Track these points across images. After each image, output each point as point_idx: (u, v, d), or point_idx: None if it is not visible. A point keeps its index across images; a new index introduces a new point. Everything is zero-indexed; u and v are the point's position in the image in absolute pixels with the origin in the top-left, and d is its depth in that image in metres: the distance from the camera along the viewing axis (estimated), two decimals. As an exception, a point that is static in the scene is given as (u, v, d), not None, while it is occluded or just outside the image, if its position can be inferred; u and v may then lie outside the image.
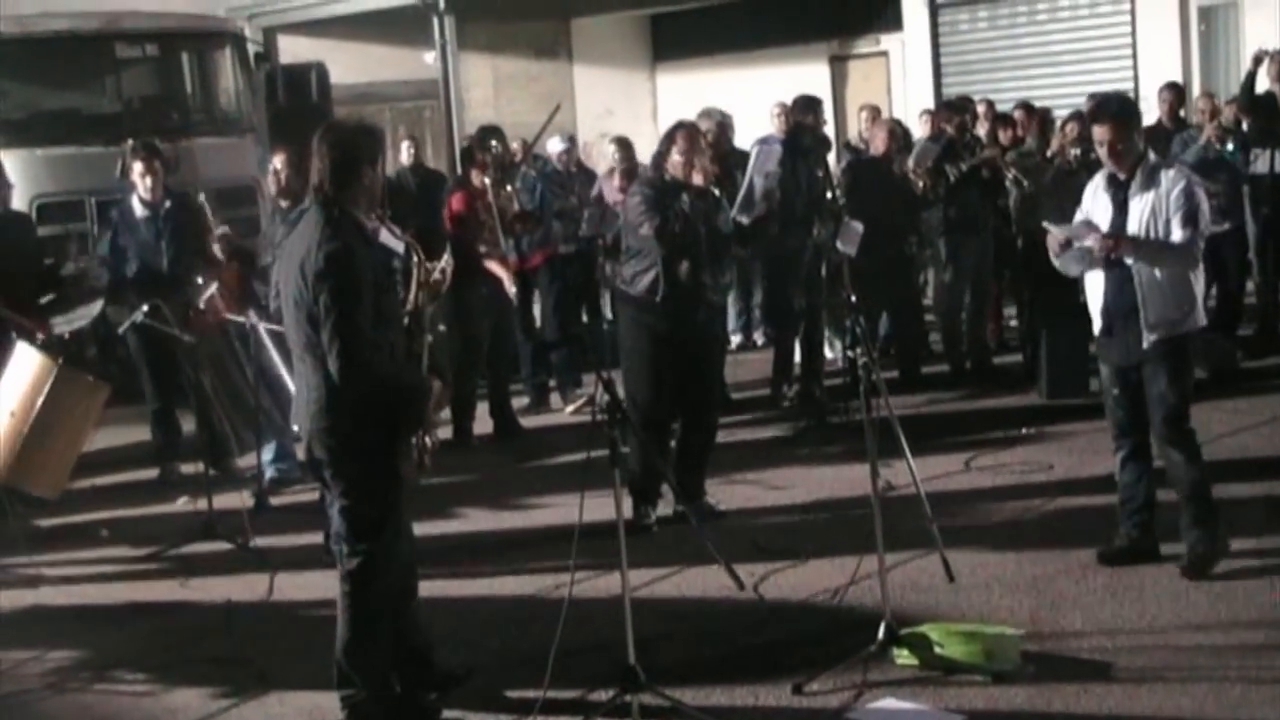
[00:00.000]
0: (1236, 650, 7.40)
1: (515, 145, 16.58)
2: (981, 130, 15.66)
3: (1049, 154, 14.53)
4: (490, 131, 13.42)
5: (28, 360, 9.77)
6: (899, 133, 14.91)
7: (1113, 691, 7.03)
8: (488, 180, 12.61)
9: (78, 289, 12.06)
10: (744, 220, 10.20)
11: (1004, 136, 15.13)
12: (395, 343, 7.00)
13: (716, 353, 10.26)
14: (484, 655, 7.79)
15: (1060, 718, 6.82)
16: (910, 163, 14.14)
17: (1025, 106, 16.29)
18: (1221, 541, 8.52)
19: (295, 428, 7.45)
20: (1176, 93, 15.71)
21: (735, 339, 16.16)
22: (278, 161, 11.11)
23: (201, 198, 12.02)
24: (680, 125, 10.37)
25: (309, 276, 6.73)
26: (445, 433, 11.10)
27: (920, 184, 14.03)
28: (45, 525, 10.96)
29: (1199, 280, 8.49)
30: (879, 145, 14.43)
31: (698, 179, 10.01)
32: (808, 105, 14.17)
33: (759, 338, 16.45)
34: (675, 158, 10.04)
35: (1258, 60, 15.40)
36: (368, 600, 7.01)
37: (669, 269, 9.87)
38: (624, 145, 14.73)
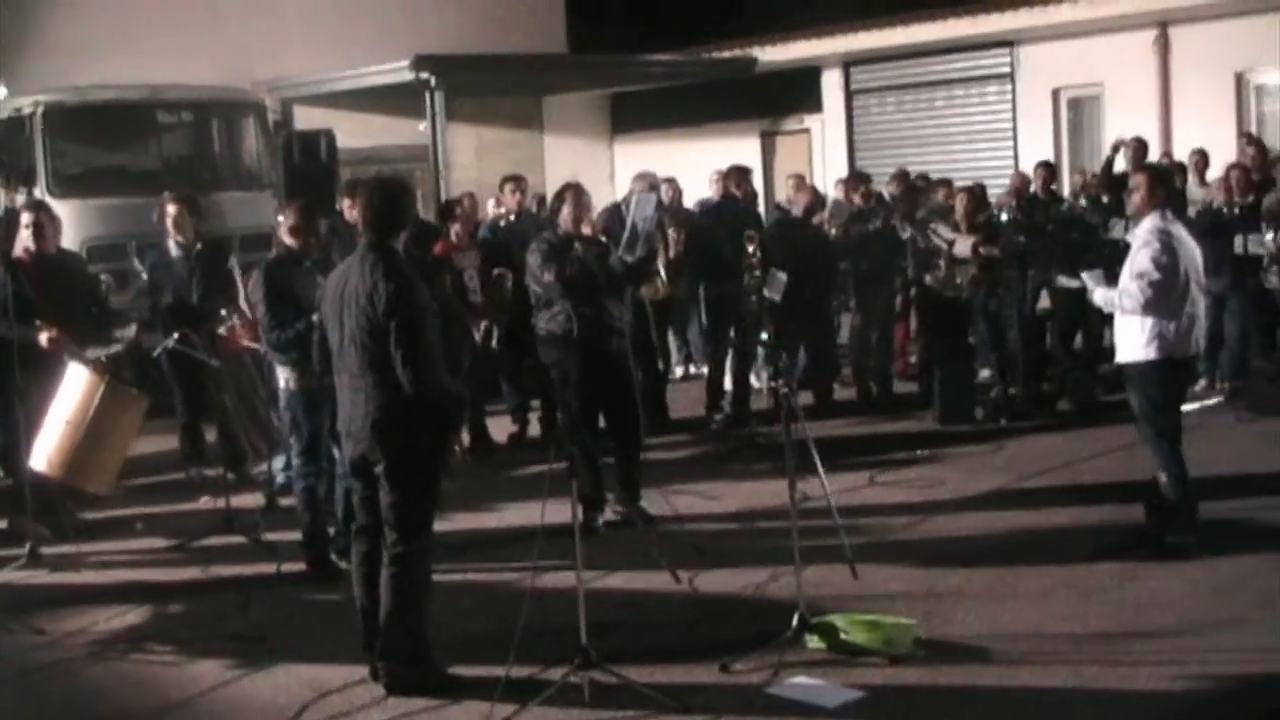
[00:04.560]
0: (1093, 638, 7.43)
1: (490, 203, 16.56)
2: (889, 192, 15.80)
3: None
4: (456, 200, 13.84)
5: (81, 378, 9.75)
6: (818, 197, 15.00)
7: (990, 672, 7.06)
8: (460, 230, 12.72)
9: (118, 318, 12.03)
10: (628, 259, 10.21)
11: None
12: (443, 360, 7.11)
13: (630, 377, 10.22)
14: (459, 637, 7.74)
15: (947, 693, 6.83)
16: (826, 215, 14.23)
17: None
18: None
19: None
20: (1049, 169, 15.81)
21: (678, 370, 16.14)
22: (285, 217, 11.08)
23: (232, 261, 11.99)
24: (568, 186, 10.38)
25: (379, 307, 6.85)
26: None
27: (832, 231, 14.14)
28: (89, 518, 10.92)
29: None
30: (800, 206, 14.50)
31: (586, 230, 10.03)
32: (740, 173, 14.22)
33: (693, 369, 16.42)
34: (565, 214, 10.06)
35: (1116, 146, 15.55)
36: (414, 582, 7.07)
37: (578, 310, 9.85)
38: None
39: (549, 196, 16.28)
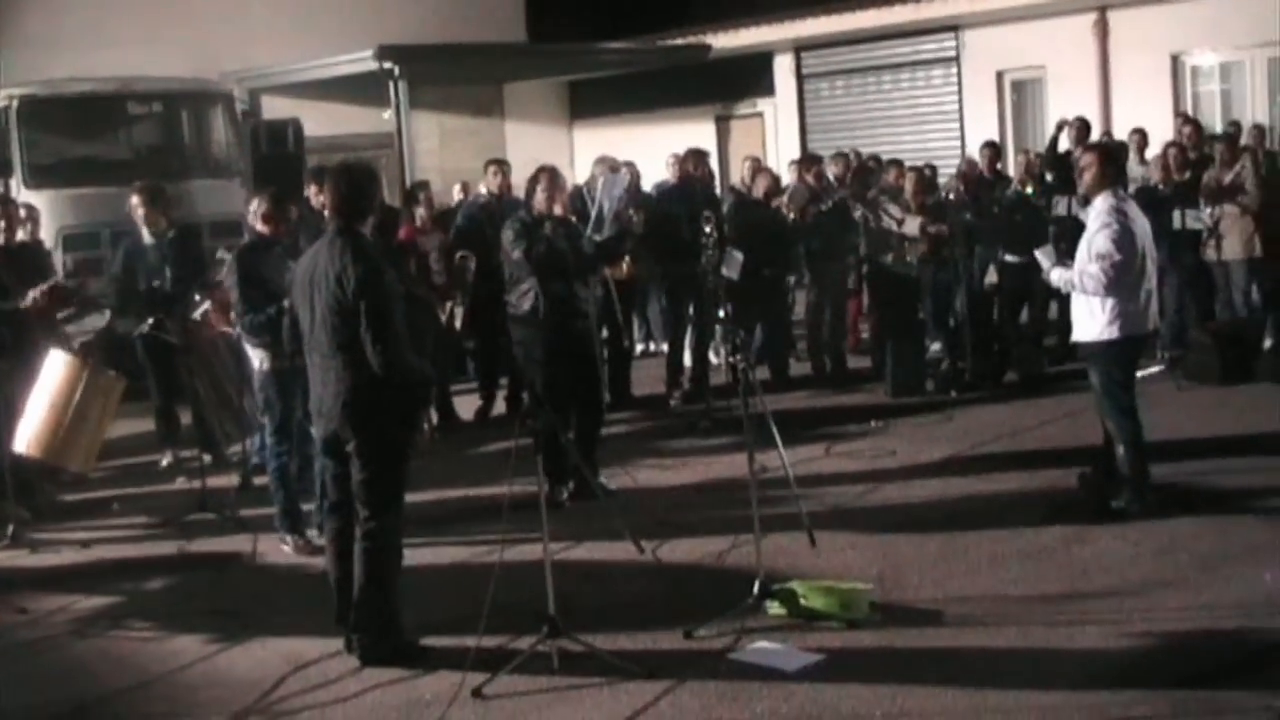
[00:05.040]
0: (1039, 600, 7.48)
1: (456, 188, 16.56)
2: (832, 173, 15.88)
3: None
4: (420, 185, 13.84)
5: (63, 362, 9.71)
6: (771, 180, 15.02)
7: (942, 634, 7.11)
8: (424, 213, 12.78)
9: (89, 304, 11.97)
10: (597, 238, 10.25)
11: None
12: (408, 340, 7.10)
13: (594, 356, 10.24)
14: (430, 609, 7.75)
15: (902, 654, 6.87)
16: (785, 199, 14.23)
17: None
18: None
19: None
20: (994, 149, 15.84)
21: (638, 348, 16.14)
22: (253, 205, 11.04)
23: (221, 252, 11.92)
24: (543, 169, 10.40)
25: (349, 290, 6.84)
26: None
27: (791, 215, 14.14)
28: (68, 500, 10.88)
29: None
30: (760, 190, 14.52)
31: (558, 210, 10.05)
32: (697, 156, 14.23)
33: (653, 346, 16.42)
34: (539, 195, 10.08)
35: (1060, 126, 15.64)
36: (386, 556, 7.08)
37: (545, 289, 9.88)
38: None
39: (514, 181, 16.39)
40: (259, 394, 9.47)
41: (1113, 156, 9.34)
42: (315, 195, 11.46)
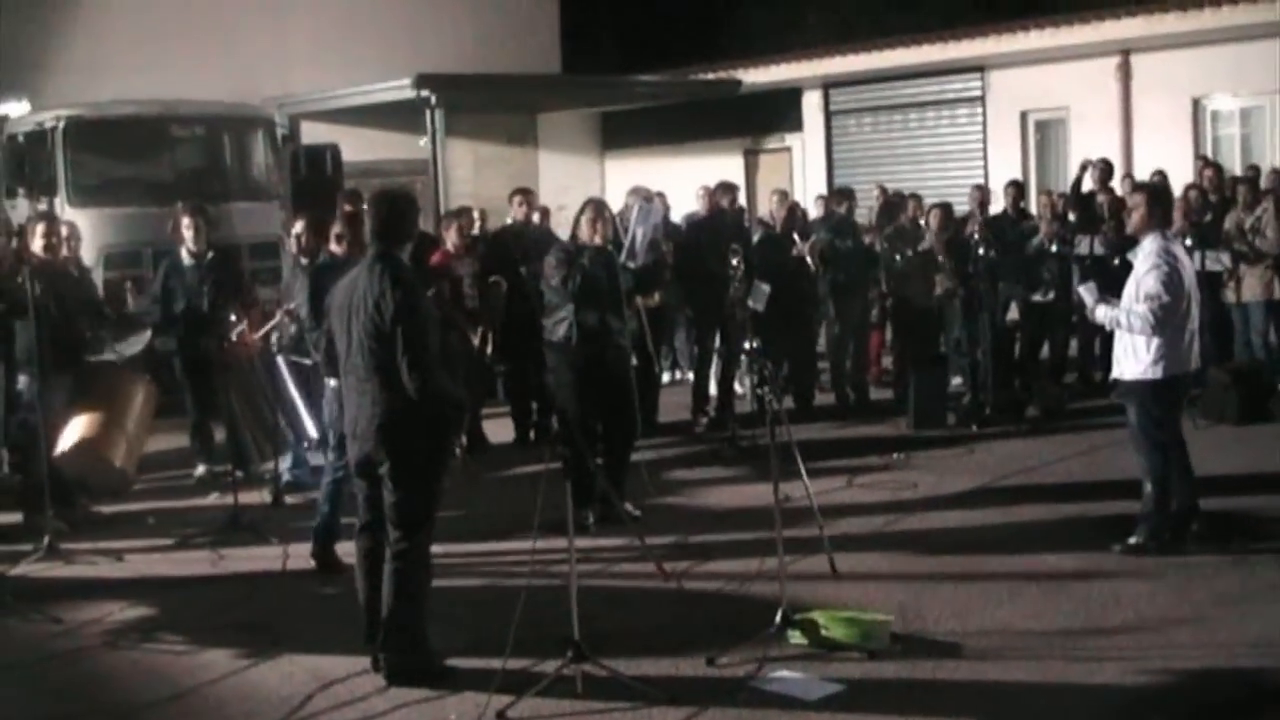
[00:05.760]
0: (1058, 634, 7.41)
1: (476, 215, 16.53)
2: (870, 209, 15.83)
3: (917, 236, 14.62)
4: (459, 211, 13.99)
5: (114, 371, 9.74)
6: (798, 213, 15.00)
7: (961, 666, 7.04)
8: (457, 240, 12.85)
9: (132, 322, 12.01)
10: (631, 265, 10.27)
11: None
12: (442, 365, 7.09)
13: (627, 384, 10.21)
14: (457, 630, 7.72)
15: (920, 685, 6.81)
16: (806, 246, 14.16)
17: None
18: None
19: (341, 438, 7.40)
20: (1018, 188, 15.82)
21: (665, 376, 16.11)
22: (299, 225, 11.06)
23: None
24: (590, 200, 10.51)
25: (386, 314, 6.84)
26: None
27: (814, 266, 14.05)
28: (103, 512, 10.89)
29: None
30: (779, 221, 14.51)
31: (597, 240, 10.04)
32: (728, 189, 14.22)
33: (679, 375, 16.37)
34: (583, 225, 10.13)
35: (1083, 167, 15.59)
36: (415, 577, 7.05)
37: (579, 316, 9.90)
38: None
39: (547, 209, 16.45)
40: (324, 408, 9.37)
41: (1161, 197, 9.24)
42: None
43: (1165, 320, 8.57)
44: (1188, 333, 8.76)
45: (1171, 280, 8.57)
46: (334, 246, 9.57)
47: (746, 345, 10.12)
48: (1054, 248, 14.22)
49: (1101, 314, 8.96)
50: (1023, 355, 14.57)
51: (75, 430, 9.62)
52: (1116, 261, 13.62)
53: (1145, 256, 8.73)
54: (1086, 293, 9.14)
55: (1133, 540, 8.82)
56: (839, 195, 16.05)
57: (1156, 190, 9.53)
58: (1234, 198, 14.51)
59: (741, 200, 16.70)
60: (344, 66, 22.79)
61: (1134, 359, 8.76)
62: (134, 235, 15.53)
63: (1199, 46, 19.37)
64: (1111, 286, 9.29)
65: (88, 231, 13.87)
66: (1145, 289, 8.61)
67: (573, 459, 7.36)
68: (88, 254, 13.91)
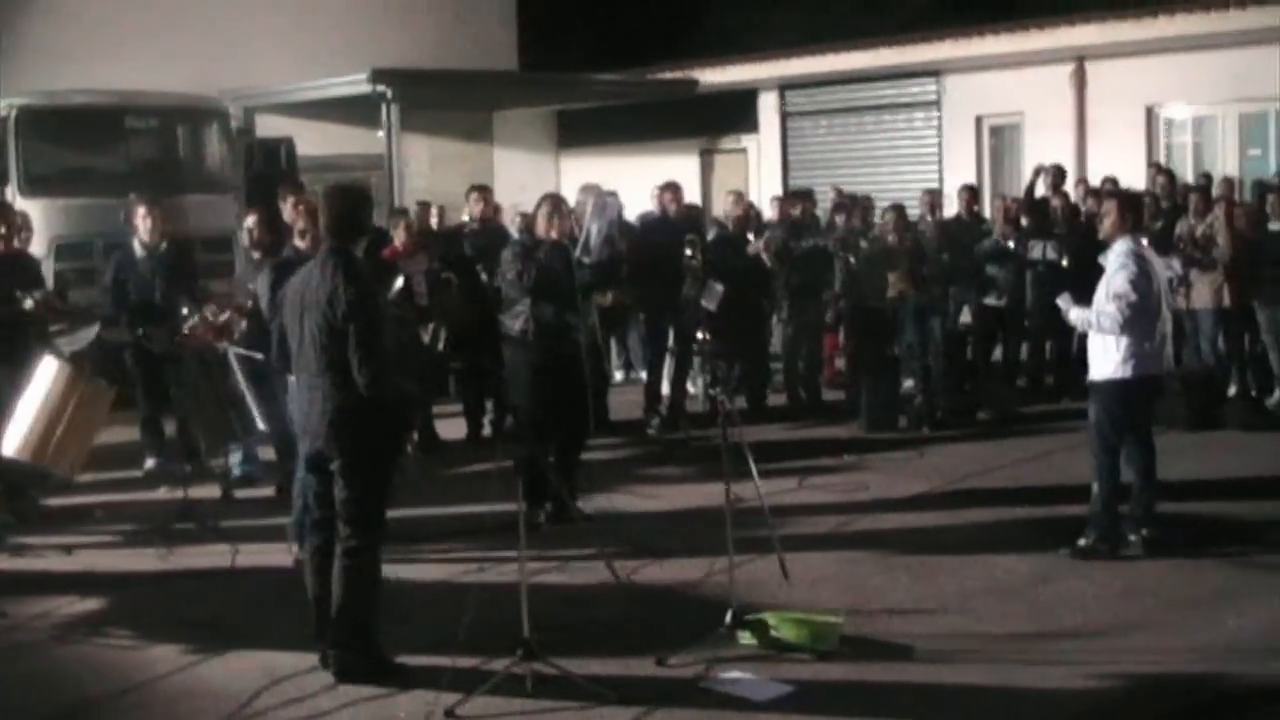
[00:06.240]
0: (1007, 638, 7.44)
1: (434, 212, 16.48)
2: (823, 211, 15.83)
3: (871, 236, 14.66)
4: (400, 211, 14.26)
5: (55, 369, 9.57)
6: (753, 213, 15.01)
7: (911, 669, 7.06)
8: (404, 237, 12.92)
9: (82, 315, 11.90)
10: (586, 260, 10.27)
11: (840, 220, 15.21)
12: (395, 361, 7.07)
13: (581, 381, 10.19)
14: (407, 627, 7.68)
15: (870, 688, 6.83)
16: (760, 244, 14.18)
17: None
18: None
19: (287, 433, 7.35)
20: (972, 193, 15.87)
21: (617, 375, 16.10)
22: (251, 219, 11.00)
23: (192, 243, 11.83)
24: (548, 195, 10.56)
25: (339, 311, 6.79)
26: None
27: (768, 260, 14.08)
28: (51, 506, 10.79)
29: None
30: (732, 221, 14.52)
31: (554, 235, 10.05)
32: (673, 189, 14.21)
33: (631, 374, 16.35)
34: (540, 219, 10.17)
35: (1037, 172, 15.63)
36: (365, 574, 7.02)
37: (536, 312, 9.89)
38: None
39: (501, 207, 16.39)
40: (289, 405, 9.28)
41: (1132, 204, 9.35)
42: (292, 208, 11.34)
43: (1134, 319, 8.67)
44: (1158, 334, 8.88)
45: (1139, 280, 8.69)
46: (298, 241, 9.50)
47: (699, 345, 10.13)
48: (1011, 244, 14.29)
49: (1075, 316, 9.11)
50: (975, 359, 14.62)
51: (18, 437, 9.43)
52: (1065, 263, 13.77)
53: (1115, 257, 8.89)
54: (1063, 301, 9.25)
55: (1081, 543, 8.87)
56: (796, 196, 16.07)
57: (1128, 197, 9.66)
58: (1185, 205, 14.61)
59: (694, 199, 16.70)
60: (301, 60, 22.65)
61: (1105, 358, 8.88)
62: (86, 226, 15.36)
63: (1153, 55, 19.47)
64: (1067, 291, 9.41)
65: (39, 222, 13.74)
66: (1114, 288, 8.74)
67: (526, 457, 7.34)
68: (39, 245, 13.78)
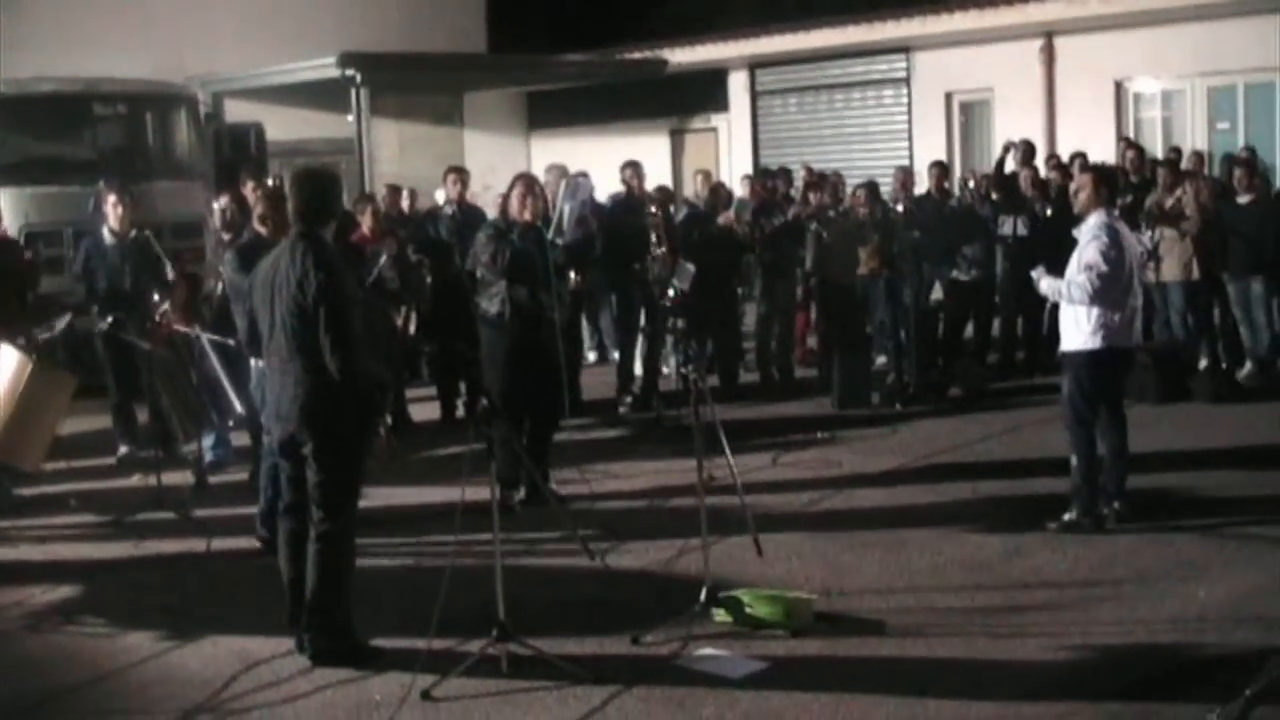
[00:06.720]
0: (979, 612, 7.48)
1: (405, 193, 16.44)
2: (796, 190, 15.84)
3: (841, 211, 14.70)
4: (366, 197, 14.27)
5: (9, 359, 9.52)
6: (723, 192, 15.01)
7: (885, 643, 7.09)
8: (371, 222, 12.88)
9: (53, 303, 11.87)
10: (559, 241, 10.29)
11: (814, 198, 15.22)
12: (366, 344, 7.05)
13: (556, 362, 10.19)
14: (382, 610, 7.70)
15: (844, 662, 6.85)
16: (731, 214, 14.21)
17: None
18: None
19: (258, 418, 7.33)
20: (942, 169, 15.88)
21: (590, 355, 16.11)
22: (222, 201, 10.97)
23: (147, 232, 11.76)
24: (520, 176, 10.57)
25: (309, 294, 6.78)
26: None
27: (742, 231, 14.12)
28: (24, 495, 10.75)
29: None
30: (705, 201, 14.53)
31: (527, 216, 10.04)
32: (632, 165, 14.21)
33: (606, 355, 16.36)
34: (514, 200, 10.17)
35: (1006, 148, 15.67)
36: (339, 558, 7.02)
37: (511, 293, 9.90)
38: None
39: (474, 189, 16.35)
40: (256, 391, 9.25)
41: (1107, 178, 9.41)
42: (252, 192, 11.32)
43: (1104, 290, 8.73)
44: (1129, 307, 8.92)
45: (1110, 252, 8.76)
46: (258, 227, 9.44)
47: (671, 324, 10.14)
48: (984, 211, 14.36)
49: (1046, 285, 9.18)
50: (946, 336, 14.67)
51: None
52: (1032, 237, 13.82)
53: (1088, 230, 8.96)
54: (1035, 271, 9.30)
55: (1067, 517, 8.92)
56: (770, 173, 16.09)
57: (1103, 171, 9.72)
58: (1154, 179, 14.67)
59: (665, 179, 16.69)
60: (269, 45, 22.59)
61: (1075, 329, 8.94)
62: (54, 214, 15.32)
63: (1121, 30, 19.56)
64: (1035, 265, 9.47)
65: (7, 210, 13.67)
66: (1085, 259, 8.82)
67: (499, 439, 7.35)
68: (8, 232, 13.69)
